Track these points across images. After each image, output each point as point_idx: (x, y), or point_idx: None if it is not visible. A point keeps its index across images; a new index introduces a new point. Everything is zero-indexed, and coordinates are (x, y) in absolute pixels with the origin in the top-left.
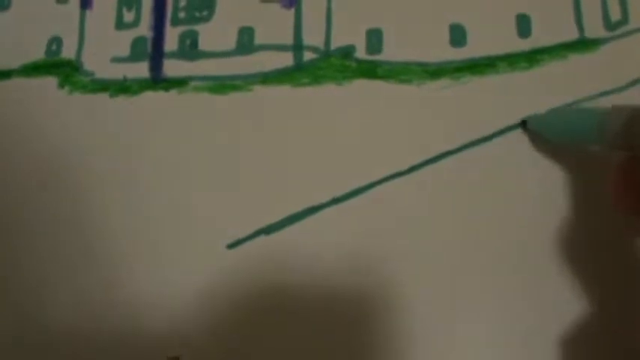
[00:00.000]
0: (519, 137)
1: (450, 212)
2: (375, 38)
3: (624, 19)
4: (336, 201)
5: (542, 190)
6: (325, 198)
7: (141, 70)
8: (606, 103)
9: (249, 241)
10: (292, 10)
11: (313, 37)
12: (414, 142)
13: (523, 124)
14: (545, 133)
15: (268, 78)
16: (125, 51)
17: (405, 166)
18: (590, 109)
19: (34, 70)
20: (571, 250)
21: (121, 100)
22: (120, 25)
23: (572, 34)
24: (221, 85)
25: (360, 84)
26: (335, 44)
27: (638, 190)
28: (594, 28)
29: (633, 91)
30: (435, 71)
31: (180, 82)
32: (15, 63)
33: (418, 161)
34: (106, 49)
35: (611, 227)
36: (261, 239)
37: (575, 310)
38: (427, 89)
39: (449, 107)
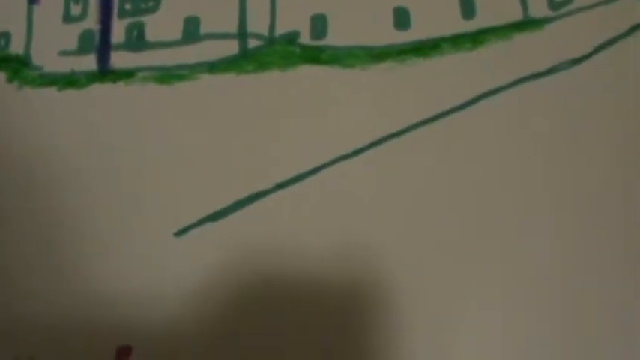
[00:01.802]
0: (464, 118)
1: (396, 195)
2: (319, 24)
3: None
4: (279, 187)
5: (487, 171)
6: (270, 184)
7: (89, 62)
8: (551, 82)
9: (196, 228)
10: None
11: (258, 24)
12: (359, 125)
13: None
14: None
15: (214, 66)
16: (73, 44)
17: (350, 150)
18: None
19: None
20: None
21: (70, 93)
22: (67, 18)
23: (517, 14)
24: (168, 74)
25: (304, 69)
26: (279, 31)
27: None
28: (539, 8)
29: (577, 69)
30: (379, 54)
31: (127, 74)
32: None
33: (363, 144)
34: (54, 43)
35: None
36: (208, 226)
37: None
38: (371, 72)
39: (393, 90)
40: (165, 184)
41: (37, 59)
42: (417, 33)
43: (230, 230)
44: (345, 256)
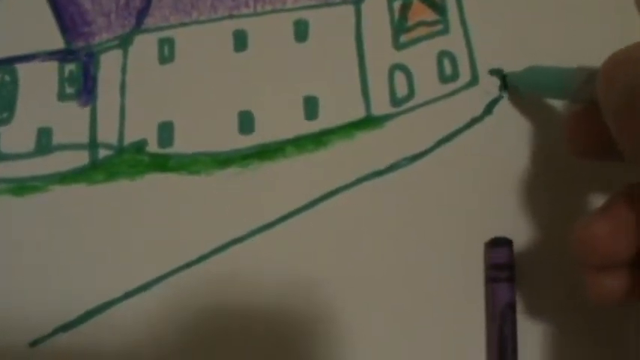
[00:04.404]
0: (307, 220)
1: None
2: (165, 131)
3: (410, 94)
4: (127, 295)
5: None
6: (119, 293)
7: None
8: (391, 179)
9: (50, 338)
10: (88, 108)
11: (108, 133)
12: (202, 231)
13: (504, 79)
14: (522, 88)
15: (65, 177)
16: None
17: (195, 256)
18: (560, 68)
19: None
20: None
21: None
22: None
23: (360, 113)
24: (21, 186)
25: (152, 178)
26: (128, 139)
27: (590, 135)
28: (381, 105)
29: (418, 164)
30: (224, 160)
31: None
32: None
33: (208, 250)
34: None
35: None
36: (59, 337)
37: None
38: (216, 179)
39: (237, 195)
40: (20, 296)
41: None
42: (261, 136)
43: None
44: None
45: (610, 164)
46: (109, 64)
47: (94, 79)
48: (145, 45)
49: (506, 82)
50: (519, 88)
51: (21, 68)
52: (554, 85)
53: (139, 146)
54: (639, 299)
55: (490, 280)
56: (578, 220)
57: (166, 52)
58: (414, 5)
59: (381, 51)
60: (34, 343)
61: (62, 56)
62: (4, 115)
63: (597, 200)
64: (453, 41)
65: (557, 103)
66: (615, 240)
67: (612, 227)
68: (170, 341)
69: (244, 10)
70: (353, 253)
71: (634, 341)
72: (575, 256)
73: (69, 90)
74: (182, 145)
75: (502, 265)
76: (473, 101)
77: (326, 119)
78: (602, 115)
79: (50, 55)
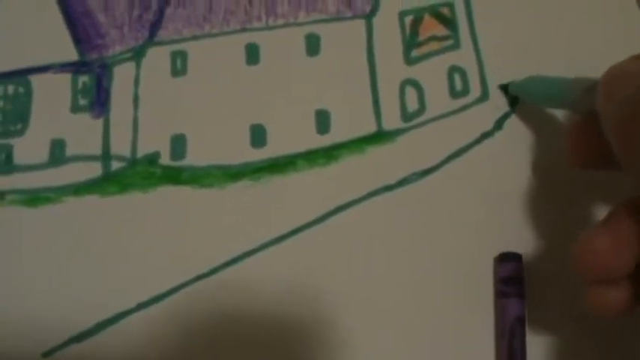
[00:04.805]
0: (317, 234)
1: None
2: (178, 144)
3: (421, 109)
4: (140, 307)
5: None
6: (132, 304)
7: None
8: (401, 194)
9: (60, 350)
10: (101, 120)
11: (121, 145)
12: (214, 244)
13: (505, 88)
14: (523, 98)
15: (79, 189)
16: None
17: (207, 269)
18: (560, 78)
19: None
20: None
21: None
22: None
23: (371, 127)
24: (35, 197)
25: (164, 190)
26: (141, 152)
27: (590, 145)
28: (392, 120)
29: (428, 179)
30: (235, 173)
31: None
32: None
33: (219, 263)
34: None
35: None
36: (73, 347)
37: None
38: (228, 192)
39: (247, 209)
40: (34, 305)
41: None
42: (272, 150)
43: (95, 352)
44: None
45: (620, 176)
46: (122, 77)
47: (107, 91)
48: (157, 57)
49: (509, 93)
50: (520, 98)
51: (35, 80)
52: (554, 94)
53: (152, 158)
54: None
55: (499, 295)
56: (580, 235)
57: (179, 65)
58: (425, 20)
59: (392, 65)
60: (48, 354)
61: (76, 68)
62: (18, 126)
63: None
64: (464, 56)
65: (566, 119)
66: (617, 254)
67: (613, 241)
68: (181, 352)
69: (257, 24)
70: (362, 268)
71: None
72: (577, 271)
73: (82, 102)
74: (194, 157)
75: (511, 279)
76: (483, 116)
77: (337, 133)
78: (602, 126)
79: (64, 67)
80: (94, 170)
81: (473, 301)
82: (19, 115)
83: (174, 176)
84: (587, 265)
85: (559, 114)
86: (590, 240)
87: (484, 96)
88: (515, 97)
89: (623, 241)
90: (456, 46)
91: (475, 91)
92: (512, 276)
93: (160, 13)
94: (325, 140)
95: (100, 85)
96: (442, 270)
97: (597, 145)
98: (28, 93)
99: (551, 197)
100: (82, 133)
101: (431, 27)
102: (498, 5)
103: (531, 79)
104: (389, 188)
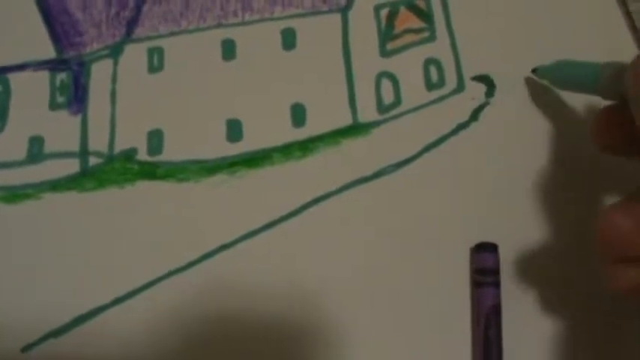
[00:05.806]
0: (294, 226)
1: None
2: (155, 139)
3: (397, 101)
4: (116, 301)
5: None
6: (108, 298)
7: None
8: (377, 186)
9: (39, 345)
10: (79, 117)
11: (98, 142)
12: (190, 238)
13: (534, 71)
14: (551, 82)
15: (57, 185)
16: None
17: (184, 263)
18: (589, 62)
19: None
20: None
21: None
22: None
23: (347, 120)
24: (13, 194)
25: (142, 185)
26: (118, 148)
27: (618, 130)
28: (368, 112)
29: (404, 171)
30: (211, 168)
31: None
32: None
33: (196, 257)
34: None
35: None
36: (50, 342)
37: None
38: (204, 186)
39: (224, 202)
40: (13, 301)
41: None
42: (248, 144)
43: (72, 347)
44: None
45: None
46: (99, 74)
47: (85, 88)
48: (134, 54)
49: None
50: (548, 82)
51: (13, 78)
52: (582, 79)
53: (129, 154)
54: None
55: (476, 285)
56: (600, 212)
57: (156, 62)
58: (400, 13)
59: (367, 58)
60: (26, 349)
61: (53, 66)
62: None
63: (585, 204)
64: (440, 48)
65: (542, 109)
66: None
67: (636, 219)
68: (159, 347)
69: (233, 20)
70: (340, 259)
71: (623, 345)
72: (599, 247)
73: (60, 99)
74: (171, 153)
75: (488, 269)
76: (459, 108)
77: (313, 126)
78: (630, 111)
79: (42, 64)
80: (72, 166)
81: (449, 290)
82: None
83: (151, 172)
84: (611, 242)
85: (536, 105)
86: (613, 217)
87: (460, 87)
88: (491, 89)
89: None
90: (432, 38)
91: (451, 82)
92: (488, 266)
93: (137, 10)
94: (301, 133)
95: (77, 82)
96: (419, 260)
97: (625, 131)
98: (6, 91)
99: (527, 187)
100: (60, 130)
101: (407, 19)
102: None
103: (559, 63)
104: (365, 180)
